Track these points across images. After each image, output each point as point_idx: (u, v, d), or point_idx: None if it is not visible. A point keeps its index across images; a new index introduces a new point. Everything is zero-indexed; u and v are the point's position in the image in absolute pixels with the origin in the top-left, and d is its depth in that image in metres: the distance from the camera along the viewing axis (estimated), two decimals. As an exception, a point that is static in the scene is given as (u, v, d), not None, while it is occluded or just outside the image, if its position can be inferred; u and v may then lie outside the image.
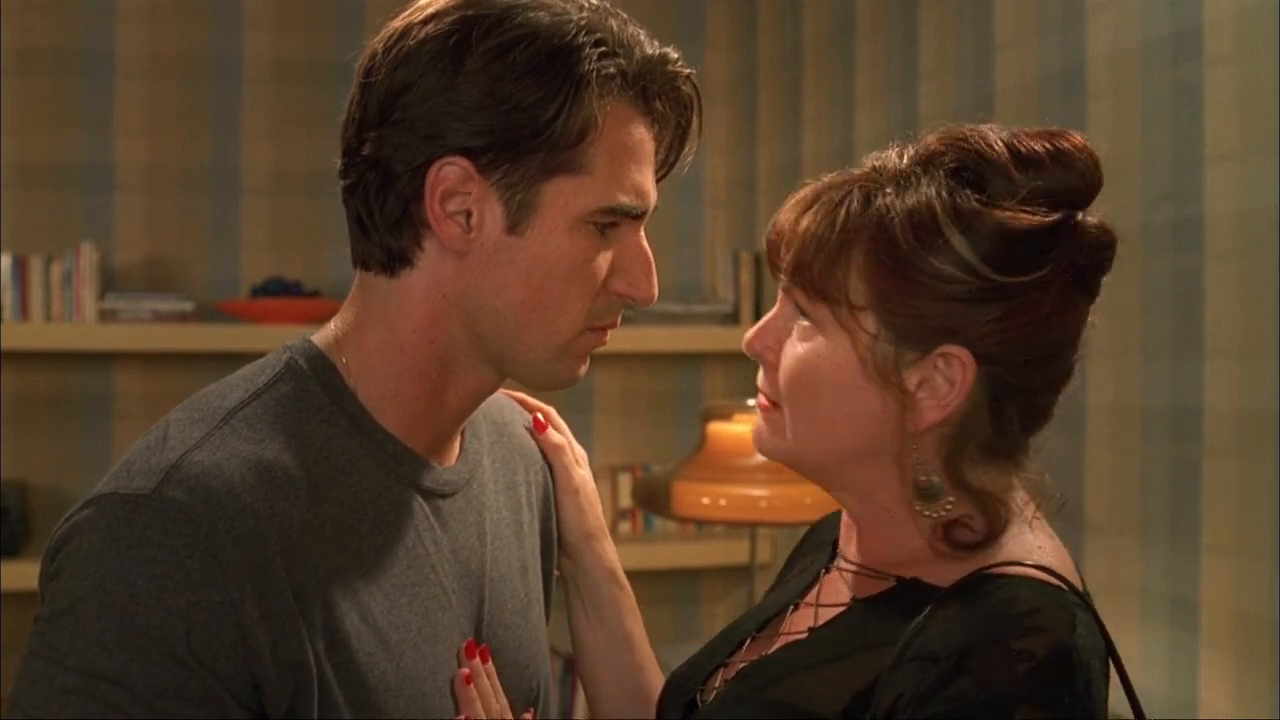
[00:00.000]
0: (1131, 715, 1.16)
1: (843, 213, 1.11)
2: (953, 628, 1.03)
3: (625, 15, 1.11)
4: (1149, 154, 2.19)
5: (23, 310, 3.28)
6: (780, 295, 1.18)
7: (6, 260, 3.26)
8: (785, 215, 1.16)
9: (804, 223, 1.13)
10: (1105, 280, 1.17)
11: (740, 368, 3.63)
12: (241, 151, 3.59)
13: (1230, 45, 2.02)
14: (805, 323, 1.14)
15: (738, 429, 2.61)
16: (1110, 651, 1.09)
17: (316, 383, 1.11)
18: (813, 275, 1.11)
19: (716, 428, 2.66)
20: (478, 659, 1.15)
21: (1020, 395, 1.12)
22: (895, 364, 1.10)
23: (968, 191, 1.10)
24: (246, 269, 3.58)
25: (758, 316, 3.64)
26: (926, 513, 1.12)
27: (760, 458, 2.55)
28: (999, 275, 1.08)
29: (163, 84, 3.54)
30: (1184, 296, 2.12)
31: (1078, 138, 1.14)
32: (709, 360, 3.82)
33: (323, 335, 1.15)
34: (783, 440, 1.17)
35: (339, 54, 3.56)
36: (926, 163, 1.12)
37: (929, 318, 1.09)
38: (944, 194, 1.09)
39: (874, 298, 1.10)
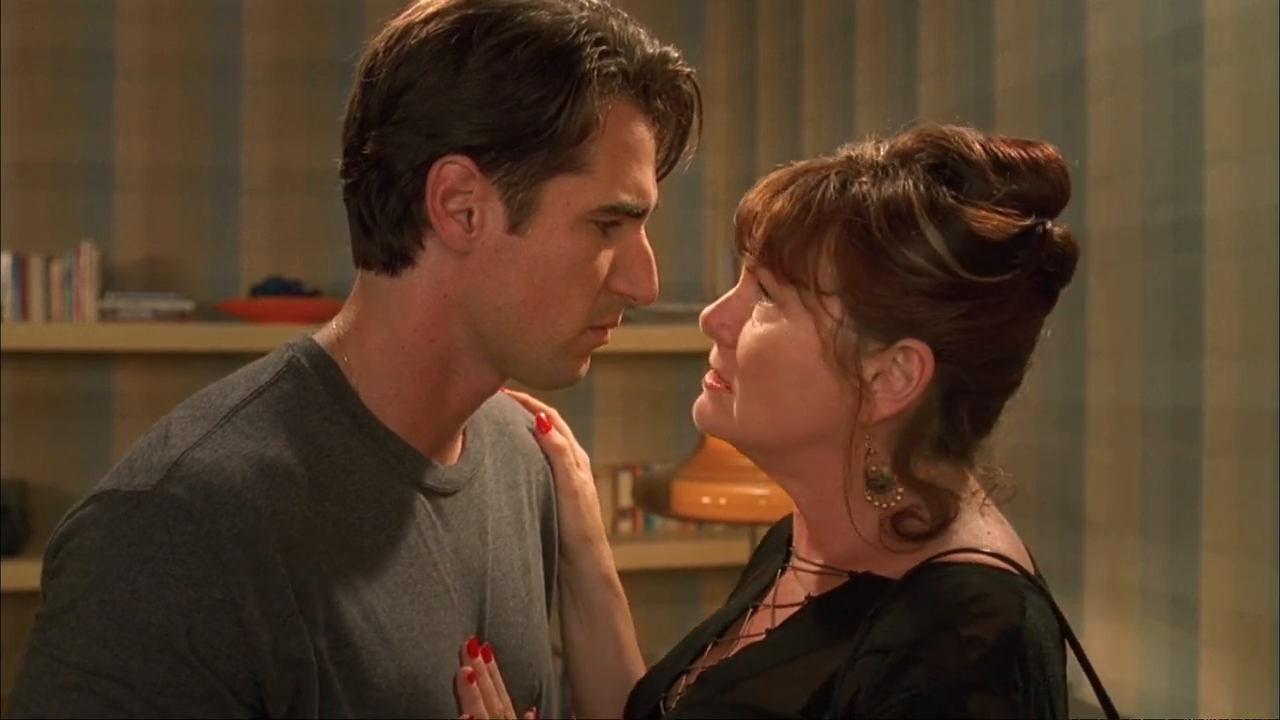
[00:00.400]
0: (1097, 701, 1.16)
1: (818, 196, 1.11)
2: (903, 619, 1.03)
3: (626, 14, 1.11)
4: (1149, 154, 2.19)
5: (23, 310, 3.28)
6: (743, 274, 1.18)
7: (6, 260, 3.26)
8: (757, 195, 1.16)
9: (778, 204, 1.13)
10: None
11: (740, 367, 3.62)
12: (241, 151, 3.59)
13: (1230, 45, 2.03)
14: (768, 304, 1.14)
15: (738, 429, 2.60)
16: (1066, 634, 1.09)
17: (318, 381, 1.11)
18: (783, 256, 1.12)
19: (716, 427, 2.66)
20: (480, 657, 1.15)
21: (972, 397, 1.13)
22: (856, 352, 1.11)
23: (944, 188, 1.10)
24: (246, 268, 3.58)
25: (758, 316, 3.67)
26: (876, 503, 1.13)
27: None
28: (968, 273, 1.09)
29: (163, 84, 3.53)
30: (1184, 296, 2.12)
31: (1050, 148, 1.15)
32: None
33: (325, 334, 1.15)
34: (728, 419, 1.17)
35: (339, 53, 3.56)
36: (904, 157, 1.13)
37: (895, 308, 1.09)
38: (921, 188, 1.10)
39: (842, 283, 1.10)
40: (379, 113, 1.08)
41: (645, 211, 1.12)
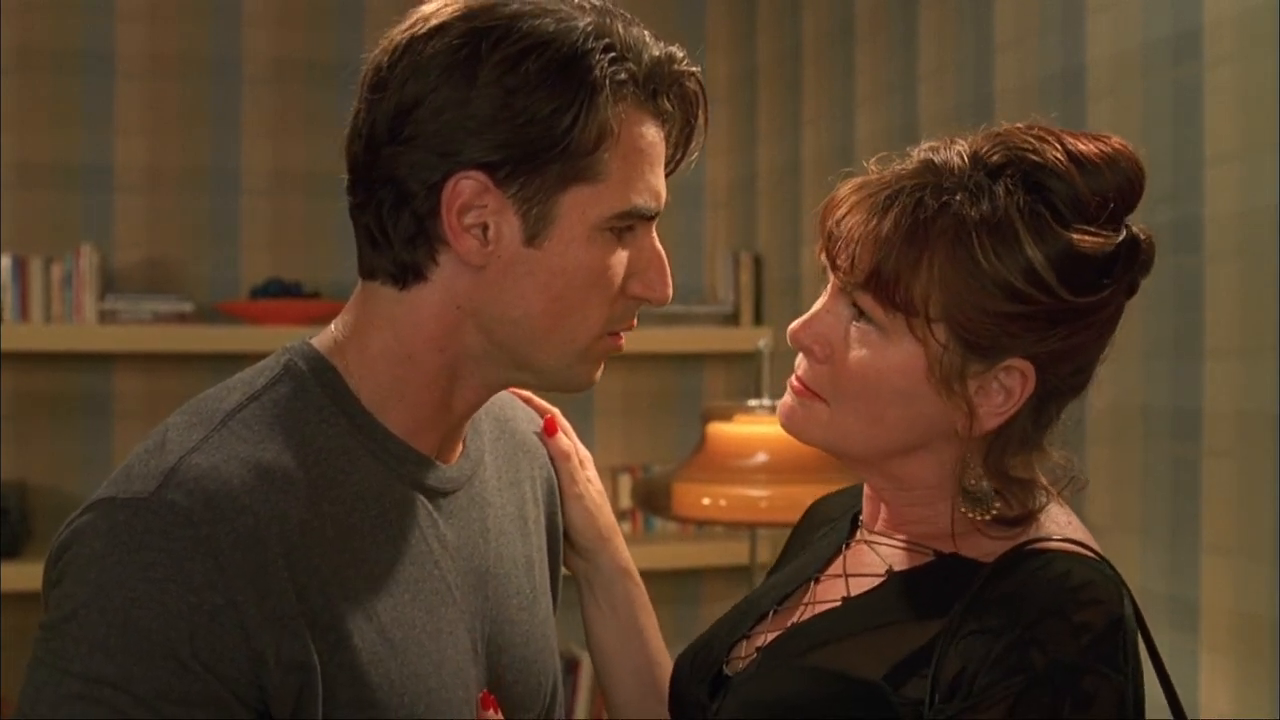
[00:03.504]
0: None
1: (920, 220, 1.11)
2: (1013, 602, 1.08)
3: (628, 14, 1.10)
4: (1149, 154, 2.17)
5: (23, 311, 3.28)
6: (832, 290, 1.18)
7: (6, 261, 3.26)
8: (853, 216, 1.15)
9: (880, 227, 1.12)
10: None
11: (740, 368, 3.62)
12: (241, 151, 3.58)
13: (1230, 45, 2.02)
14: (867, 326, 1.15)
15: (738, 430, 2.60)
16: (1142, 625, 1.14)
17: (315, 384, 1.11)
18: (890, 285, 1.12)
19: (716, 428, 2.66)
20: (492, 710, 1.16)
21: (1060, 397, 1.17)
22: (961, 373, 1.13)
23: (1041, 208, 1.11)
24: (246, 269, 3.58)
25: (758, 317, 3.66)
26: (971, 515, 1.16)
27: (760, 458, 2.56)
28: (1071, 296, 1.11)
29: (163, 84, 3.53)
30: (1184, 296, 2.11)
31: (1119, 140, 1.17)
32: (709, 360, 3.81)
33: (323, 338, 1.15)
34: (820, 429, 1.19)
35: (339, 53, 3.55)
36: (993, 171, 1.13)
37: (999, 333, 1.11)
38: (1023, 207, 1.11)
39: (948, 309, 1.11)
40: (387, 130, 1.06)
41: (658, 213, 1.12)
